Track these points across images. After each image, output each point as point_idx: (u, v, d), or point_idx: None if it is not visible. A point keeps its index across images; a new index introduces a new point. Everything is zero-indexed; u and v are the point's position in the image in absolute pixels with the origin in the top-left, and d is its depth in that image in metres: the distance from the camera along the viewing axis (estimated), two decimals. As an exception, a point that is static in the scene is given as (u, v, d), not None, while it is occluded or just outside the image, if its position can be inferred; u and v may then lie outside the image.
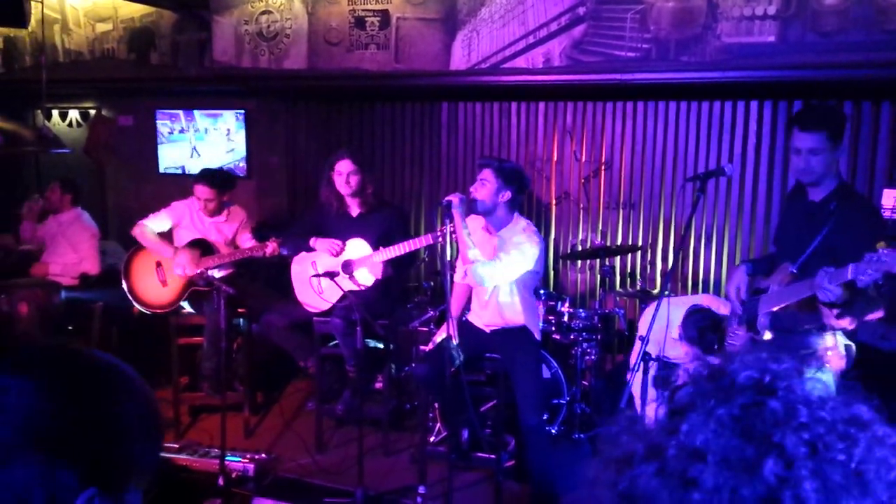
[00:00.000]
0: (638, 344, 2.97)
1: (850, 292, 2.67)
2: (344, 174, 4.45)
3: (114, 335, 5.22)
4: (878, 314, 2.81)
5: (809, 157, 2.90)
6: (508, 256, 3.62)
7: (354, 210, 4.57)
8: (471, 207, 3.62)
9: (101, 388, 0.95)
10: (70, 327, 4.83)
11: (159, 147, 6.71)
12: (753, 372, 0.71)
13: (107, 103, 6.95)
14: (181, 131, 6.62)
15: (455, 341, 3.61)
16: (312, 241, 4.52)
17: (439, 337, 3.92)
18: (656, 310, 2.91)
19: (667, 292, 3.29)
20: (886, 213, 4.41)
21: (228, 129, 6.46)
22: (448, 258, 3.90)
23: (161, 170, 6.73)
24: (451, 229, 3.65)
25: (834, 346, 2.98)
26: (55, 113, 7.15)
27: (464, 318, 3.72)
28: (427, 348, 4.11)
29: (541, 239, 3.77)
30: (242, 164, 6.40)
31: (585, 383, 4.55)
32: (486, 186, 3.67)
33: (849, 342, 3.02)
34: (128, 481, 0.94)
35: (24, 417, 0.87)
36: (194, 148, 6.58)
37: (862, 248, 2.52)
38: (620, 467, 0.70)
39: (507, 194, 3.70)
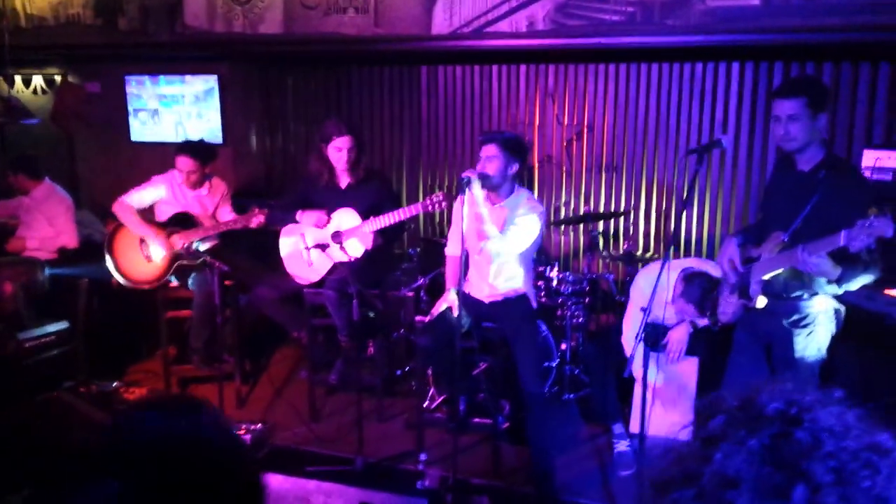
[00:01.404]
0: (639, 315, 3.00)
1: (842, 258, 2.75)
2: (343, 150, 4.38)
3: (95, 309, 5.13)
4: (874, 277, 2.88)
5: (788, 124, 2.94)
6: (517, 229, 3.65)
7: (343, 181, 4.53)
8: (483, 183, 3.60)
9: (210, 454, 0.98)
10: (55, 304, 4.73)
11: (130, 117, 6.53)
12: (780, 404, 0.77)
13: (73, 70, 6.72)
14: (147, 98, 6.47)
15: (456, 312, 3.66)
16: (298, 215, 4.47)
17: (440, 307, 3.95)
18: (658, 277, 2.95)
19: (658, 256, 3.32)
20: (866, 174, 4.49)
21: (197, 96, 6.31)
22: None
23: (132, 139, 6.57)
24: (461, 203, 3.66)
25: (824, 310, 3.07)
26: (18, 79, 6.90)
27: (461, 289, 3.75)
28: (426, 319, 4.13)
29: (543, 209, 3.80)
30: (218, 132, 6.25)
31: (573, 343, 4.62)
32: (494, 162, 3.67)
33: (839, 306, 3.11)
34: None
35: None
36: (155, 112, 6.42)
37: (852, 215, 2.58)
38: (658, 492, 0.76)
39: (515, 167, 3.72)
